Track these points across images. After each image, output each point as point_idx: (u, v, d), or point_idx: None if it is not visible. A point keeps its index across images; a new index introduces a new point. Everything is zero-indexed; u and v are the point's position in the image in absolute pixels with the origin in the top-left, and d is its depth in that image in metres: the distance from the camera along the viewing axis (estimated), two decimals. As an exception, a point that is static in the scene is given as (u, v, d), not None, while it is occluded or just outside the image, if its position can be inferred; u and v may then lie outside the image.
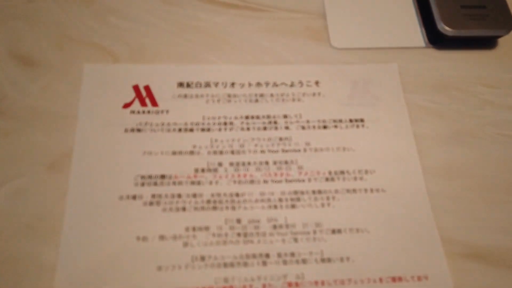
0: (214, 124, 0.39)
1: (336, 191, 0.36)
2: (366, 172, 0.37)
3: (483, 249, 0.34)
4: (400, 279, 0.33)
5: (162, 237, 0.33)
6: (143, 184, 0.35)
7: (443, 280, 0.33)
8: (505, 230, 0.35)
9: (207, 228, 0.34)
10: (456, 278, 0.33)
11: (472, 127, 0.39)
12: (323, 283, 0.32)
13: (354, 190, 0.36)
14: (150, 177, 0.36)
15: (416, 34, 0.45)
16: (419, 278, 0.33)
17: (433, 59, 0.43)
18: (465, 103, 0.41)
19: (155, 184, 0.36)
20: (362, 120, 0.40)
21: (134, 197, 0.35)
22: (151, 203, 0.35)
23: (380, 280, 0.33)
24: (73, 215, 0.34)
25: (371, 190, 0.36)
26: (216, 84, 0.41)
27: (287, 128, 0.39)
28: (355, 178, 0.37)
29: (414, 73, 0.42)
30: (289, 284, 0.32)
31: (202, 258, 0.33)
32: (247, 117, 0.40)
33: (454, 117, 0.40)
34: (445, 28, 0.42)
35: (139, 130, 0.38)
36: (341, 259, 0.33)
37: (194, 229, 0.34)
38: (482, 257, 0.34)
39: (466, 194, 0.36)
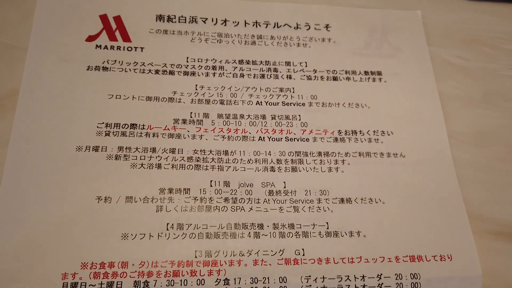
0: (200, 67, 0.34)
1: (347, 154, 0.32)
2: (383, 133, 0.33)
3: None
4: (420, 258, 0.29)
5: (129, 199, 0.28)
6: (107, 134, 0.30)
7: (469, 261, 0.29)
8: (541, 207, 0.32)
9: (187, 191, 0.29)
10: (485, 260, 0.29)
11: (506, 89, 0.36)
12: (327, 261, 0.28)
13: (368, 154, 0.32)
14: (117, 125, 0.31)
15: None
16: (442, 258, 0.29)
17: (462, 9, 0.39)
18: (498, 62, 0.37)
19: (123, 134, 0.30)
20: (379, 73, 0.35)
21: (95, 149, 0.30)
22: (117, 157, 0.30)
23: (396, 259, 0.29)
24: (14, 170, 0.28)
25: (388, 155, 0.32)
26: (205, 20, 0.36)
27: (289, 77, 0.34)
28: (370, 140, 0.33)
29: (440, 23, 0.38)
30: (287, 261, 0.28)
31: (180, 226, 0.28)
32: (241, 62, 0.35)
33: (485, 76, 0.36)
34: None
35: (105, 69, 0.33)
36: (350, 234, 0.29)
37: (170, 190, 0.29)
38: (510, 235, 0.31)
39: (498, 165, 0.33)
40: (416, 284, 0.28)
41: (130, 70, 0.33)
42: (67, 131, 0.30)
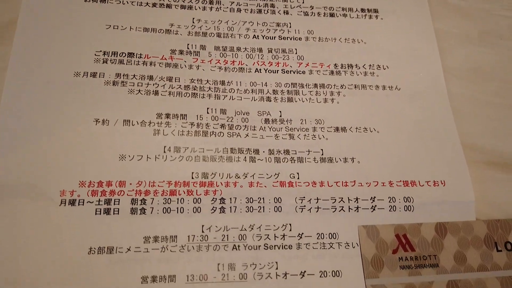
0: (197, 1, 0.34)
1: (342, 86, 0.32)
2: (379, 67, 0.33)
3: (505, 156, 0.31)
4: (413, 183, 0.30)
5: (126, 122, 0.29)
6: (105, 61, 0.30)
7: (462, 188, 0.30)
8: (534, 139, 0.33)
9: (184, 116, 0.30)
10: (478, 187, 0.30)
11: (503, 28, 0.36)
12: (321, 184, 0.29)
13: (364, 86, 0.33)
14: (114, 53, 0.31)
15: None
16: (435, 184, 0.30)
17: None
18: (493, 2, 0.37)
19: (121, 62, 0.31)
20: (376, 11, 0.36)
21: (93, 75, 0.30)
22: (114, 83, 0.30)
23: (390, 183, 0.30)
24: (13, 95, 0.29)
25: (383, 87, 0.33)
26: (202, -43, 0.36)
27: (286, 13, 0.35)
28: (365, 73, 0.33)
29: (438, -35, 0.39)
30: (282, 183, 0.29)
31: (177, 149, 0.29)
32: (238, -3, 0.35)
33: (482, 15, 0.36)
34: None
35: (103, 1, 0.33)
36: (345, 160, 0.30)
37: (167, 116, 0.30)
38: (506, 166, 0.31)
39: (492, 99, 0.33)
40: (410, 207, 0.29)
41: (127, 3, 0.33)
42: (65, 57, 0.30)
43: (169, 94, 0.30)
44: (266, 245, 0.27)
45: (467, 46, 0.35)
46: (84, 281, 0.25)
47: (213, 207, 0.28)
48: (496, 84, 0.34)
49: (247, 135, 0.30)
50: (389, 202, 0.29)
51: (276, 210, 0.28)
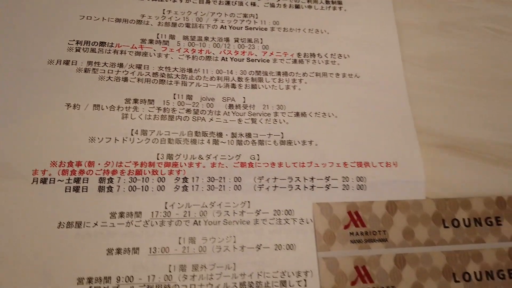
0: (168, -6, 0.36)
1: (304, 74, 0.34)
2: (340, 56, 0.35)
3: (460, 141, 0.33)
4: (366, 164, 0.32)
5: (96, 107, 0.31)
6: (78, 50, 0.32)
7: (414, 169, 0.32)
8: (485, 123, 0.34)
9: (151, 101, 0.32)
10: (429, 167, 0.32)
11: (460, 19, 0.38)
12: (280, 164, 0.31)
13: (325, 74, 0.34)
14: (87, 43, 0.33)
15: None
16: (388, 165, 0.32)
17: None
18: (454, -6, 0.39)
19: (93, 50, 0.33)
20: (339, 3, 0.37)
21: (66, 62, 0.32)
22: (86, 70, 0.32)
23: (345, 164, 0.31)
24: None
25: (343, 75, 0.34)
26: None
27: (253, 4, 0.36)
28: (327, 62, 0.35)
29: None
30: (242, 164, 0.31)
31: (144, 132, 0.31)
32: (207, -11, 0.37)
33: (441, 6, 0.38)
34: None
35: (77, -7, 0.35)
36: (303, 142, 0.32)
37: (136, 101, 0.31)
38: (458, 149, 0.33)
39: (447, 86, 0.35)
40: (362, 186, 0.31)
41: (100, -5, 0.35)
42: (39, 46, 0.32)
43: (138, 80, 0.32)
44: (225, 220, 0.29)
45: (427, 36, 0.37)
46: (54, 252, 0.27)
47: (176, 185, 0.29)
48: (452, 72, 0.36)
49: (211, 119, 0.32)
50: (343, 181, 0.31)
51: (236, 189, 0.30)
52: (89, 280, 0.27)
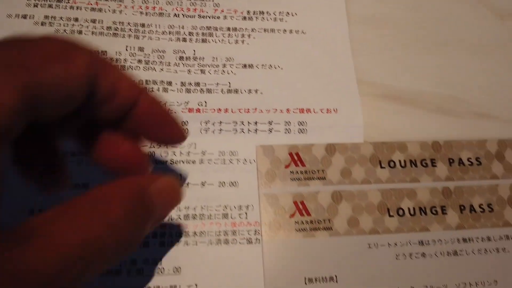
0: (124, -44, 0.38)
1: (253, 30, 0.36)
2: (288, 14, 0.37)
3: (400, 91, 0.35)
4: (308, 110, 0.33)
5: (51, 56, 0.33)
6: (35, 5, 0.34)
7: (353, 114, 0.34)
8: (425, 76, 0.36)
9: (104, 53, 0.33)
10: (367, 114, 0.34)
11: (403, -18, 0.40)
12: (226, 110, 0.33)
13: (273, 30, 0.36)
14: (44, -1, 0.35)
15: None
16: (328, 111, 0.34)
17: None
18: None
19: (50, 6, 0.34)
20: (288, -35, 0.40)
21: (24, 17, 0.34)
22: (42, 24, 0.34)
23: (287, 110, 0.33)
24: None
25: (290, 31, 0.36)
26: None
27: (205, -34, 0.39)
28: (275, 19, 0.37)
29: None
30: (190, 110, 0.32)
31: (96, 80, 0.32)
32: (162, -47, 0.39)
33: (387, -29, 0.40)
34: None
35: (35, -46, 0.36)
36: (249, 91, 0.34)
37: (89, 52, 0.33)
38: (398, 98, 0.35)
39: (390, 42, 0.37)
40: (303, 129, 0.33)
41: (58, -44, 0.37)
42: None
43: (92, 33, 0.34)
44: (172, 160, 0.31)
45: (371, -3, 0.39)
46: None
47: (126, 128, 0.31)
48: (394, 29, 0.38)
49: (161, 70, 0.34)
50: (285, 125, 0.33)
51: (183, 132, 0.32)
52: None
